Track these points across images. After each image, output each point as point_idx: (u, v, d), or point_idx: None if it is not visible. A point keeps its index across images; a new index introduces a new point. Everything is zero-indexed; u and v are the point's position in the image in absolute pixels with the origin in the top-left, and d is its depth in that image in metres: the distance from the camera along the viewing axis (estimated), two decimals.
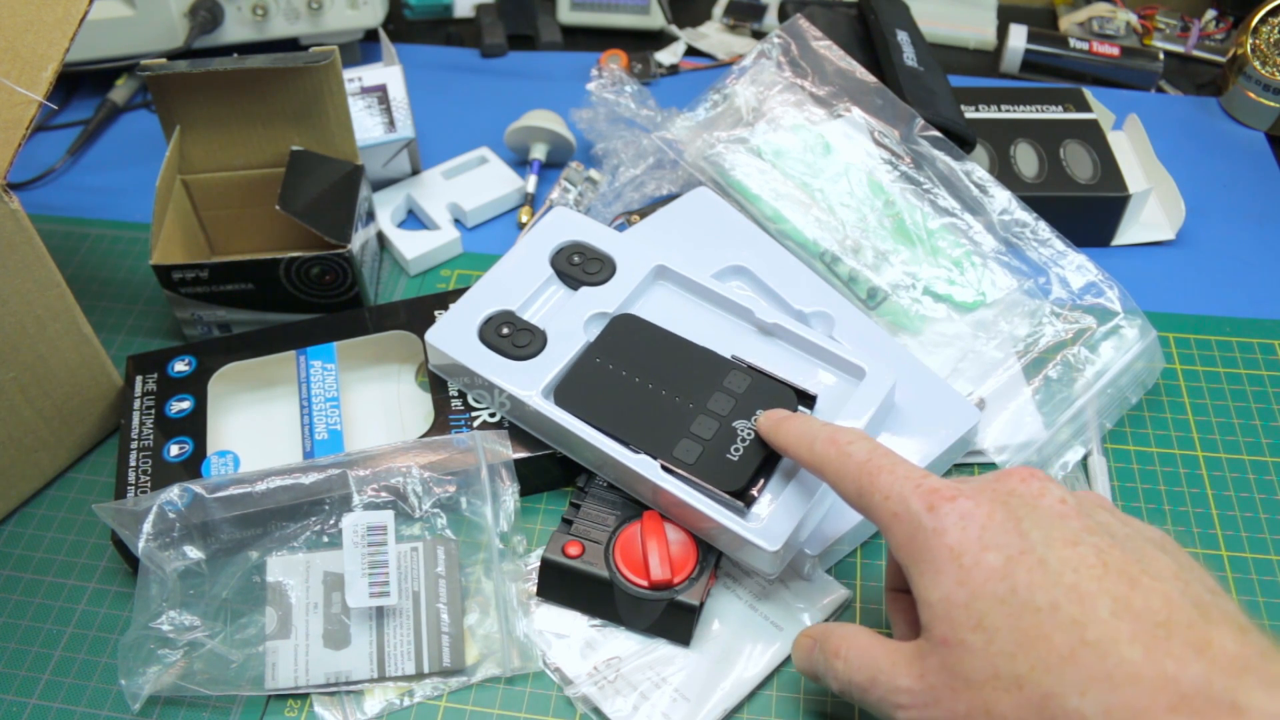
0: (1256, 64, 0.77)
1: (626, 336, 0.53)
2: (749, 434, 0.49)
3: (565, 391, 0.51)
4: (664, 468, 0.48)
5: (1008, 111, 0.72)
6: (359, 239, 0.61)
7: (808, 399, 0.51)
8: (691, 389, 0.51)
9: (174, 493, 0.49)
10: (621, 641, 0.48)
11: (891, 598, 0.44)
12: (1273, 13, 0.77)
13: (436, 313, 0.59)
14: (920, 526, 0.37)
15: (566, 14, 0.88)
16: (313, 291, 0.61)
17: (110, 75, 0.83)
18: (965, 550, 0.36)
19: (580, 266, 0.56)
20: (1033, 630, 0.34)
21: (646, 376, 0.51)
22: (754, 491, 0.48)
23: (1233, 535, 0.53)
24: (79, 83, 0.84)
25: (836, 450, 0.41)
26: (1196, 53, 0.86)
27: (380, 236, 0.69)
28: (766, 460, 0.48)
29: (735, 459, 0.48)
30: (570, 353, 0.53)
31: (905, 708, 0.37)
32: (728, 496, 0.47)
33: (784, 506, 0.47)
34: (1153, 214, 0.70)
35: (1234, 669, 0.32)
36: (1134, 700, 0.32)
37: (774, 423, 0.47)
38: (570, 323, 0.54)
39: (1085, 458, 0.56)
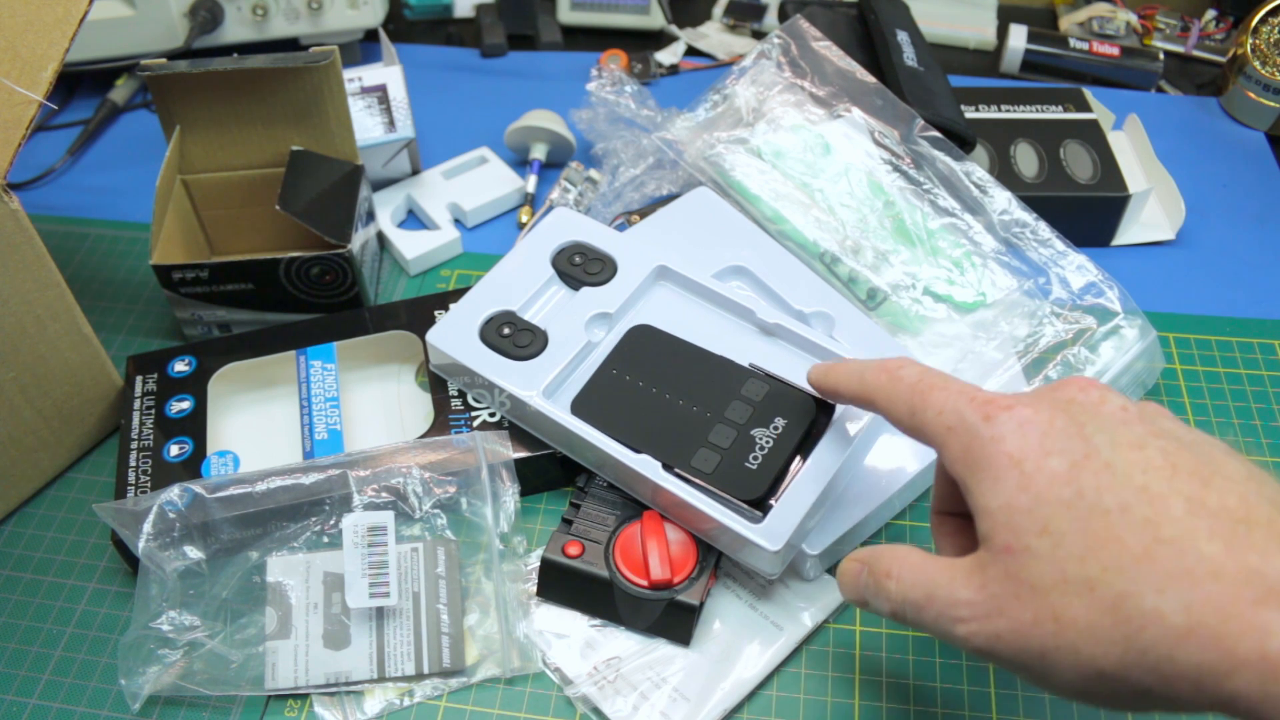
0: (1256, 64, 0.77)
1: (642, 347, 0.53)
2: (767, 442, 0.49)
3: (583, 403, 0.51)
4: (676, 473, 0.48)
5: (1008, 111, 0.72)
6: (359, 239, 0.61)
7: (827, 406, 0.51)
8: (709, 398, 0.51)
9: (174, 493, 0.49)
10: (621, 641, 0.48)
11: (938, 520, 0.43)
12: (1273, 13, 0.77)
13: (436, 313, 0.59)
14: (977, 436, 0.36)
15: (566, 14, 0.88)
16: (313, 291, 0.61)
17: (110, 75, 0.83)
18: (1026, 456, 0.35)
19: (581, 267, 0.56)
20: (1103, 532, 0.32)
21: (664, 386, 0.51)
22: (772, 501, 0.47)
23: None
24: (79, 83, 0.84)
25: (887, 375, 0.40)
26: (1196, 53, 0.86)
27: (380, 236, 0.69)
28: (784, 468, 0.48)
29: (754, 467, 0.48)
30: (571, 353, 0.53)
31: (965, 620, 0.35)
32: (746, 506, 0.47)
33: (785, 506, 0.47)
34: (1153, 214, 0.70)
35: None
36: (1217, 595, 0.30)
37: (823, 371, 0.45)
38: (571, 323, 0.54)
39: None
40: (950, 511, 0.42)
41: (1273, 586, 0.30)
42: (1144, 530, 0.32)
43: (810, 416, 0.49)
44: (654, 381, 0.52)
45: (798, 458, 0.49)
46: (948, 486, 0.42)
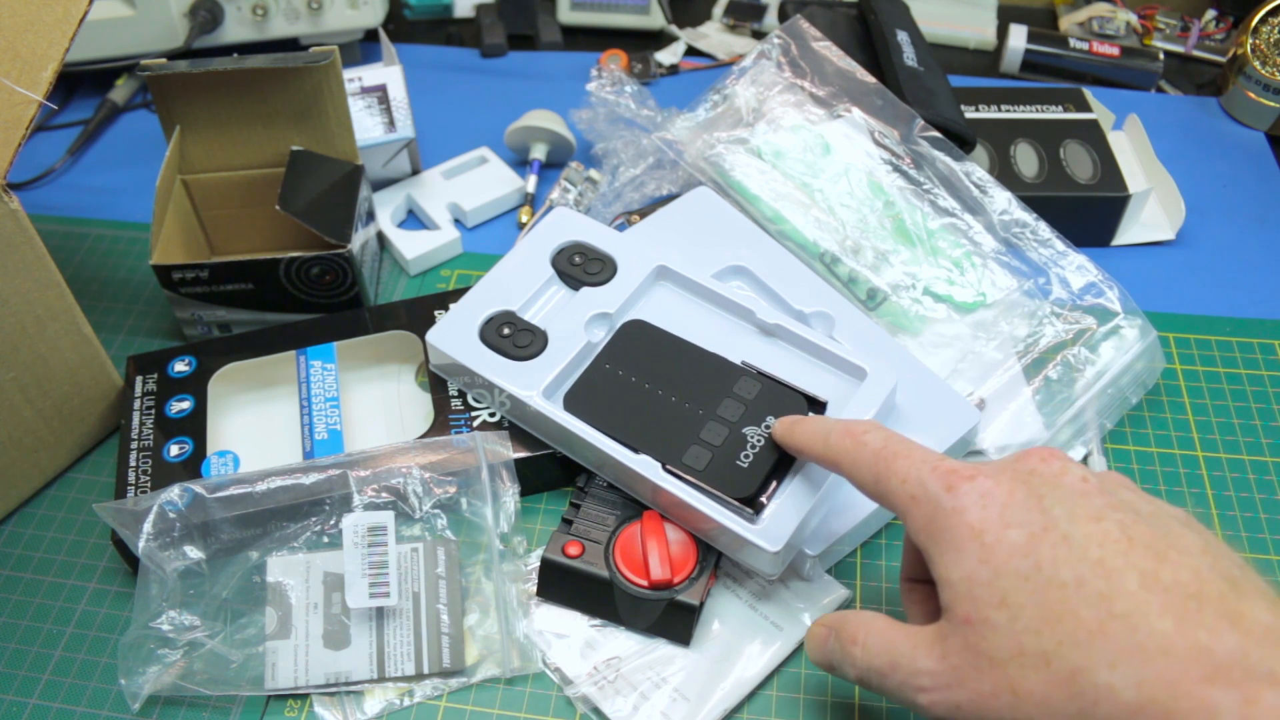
0: (1256, 64, 0.77)
1: (636, 342, 0.53)
2: (759, 440, 0.49)
3: (575, 398, 0.51)
4: (671, 471, 0.48)
5: (1008, 111, 0.72)
6: (359, 239, 0.61)
7: (818, 405, 0.51)
8: (702, 395, 0.51)
9: (174, 493, 0.49)
10: (621, 641, 0.48)
11: (907, 588, 0.44)
12: (1273, 13, 0.77)
13: (436, 313, 0.59)
14: (939, 507, 0.37)
15: (566, 14, 0.88)
16: (313, 291, 0.61)
17: (110, 75, 0.83)
18: (986, 528, 0.35)
19: (581, 267, 0.56)
20: (1058, 606, 0.33)
21: (656, 383, 0.51)
22: (763, 499, 0.48)
23: (1233, 535, 0.53)
24: (79, 83, 0.84)
25: (852, 441, 0.41)
26: (1196, 53, 0.86)
27: (380, 236, 0.69)
28: (776, 466, 0.48)
29: (745, 466, 0.48)
30: (571, 353, 0.53)
31: (927, 690, 0.36)
32: (737, 503, 0.47)
33: (785, 507, 0.47)
34: (1153, 214, 0.70)
35: (1270, 639, 0.31)
36: (1166, 672, 0.31)
37: (787, 427, 0.46)
38: (571, 323, 0.54)
39: (1085, 458, 0.56)
40: (918, 579, 0.43)
41: (1220, 664, 0.31)
42: (1098, 604, 0.33)
43: (802, 415, 0.49)
44: (647, 377, 0.52)
45: (789, 458, 0.49)
46: (915, 554, 0.43)
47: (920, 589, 0.43)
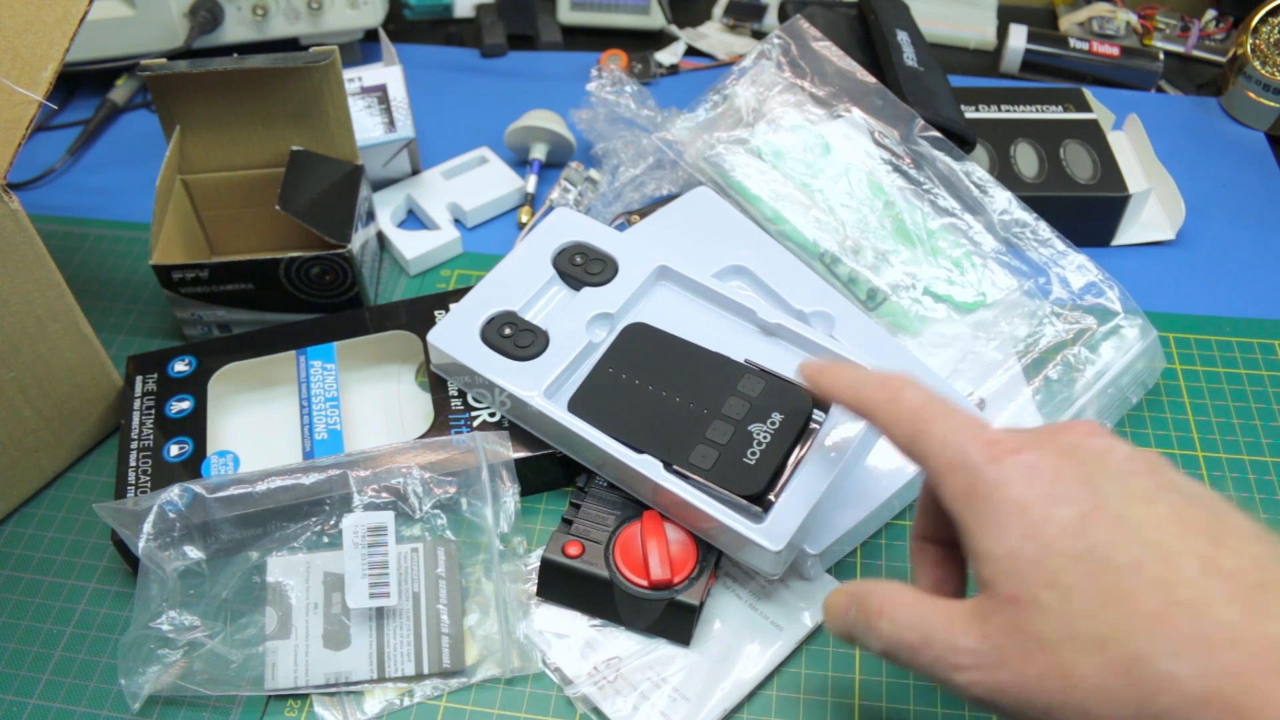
0: (1256, 64, 0.77)
1: (638, 344, 0.53)
2: (765, 438, 0.49)
3: (580, 402, 0.51)
4: (676, 471, 0.48)
5: (1008, 111, 0.72)
6: (359, 239, 0.61)
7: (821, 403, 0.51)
8: (705, 394, 0.51)
9: (174, 493, 0.49)
10: (621, 641, 0.48)
11: (919, 546, 0.41)
12: (1273, 13, 0.77)
13: (436, 313, 0.59)
14: (981, 477, 0.35)
15: (566, 14, 0.88)
16: (313, 291, 0.61)
17: (110, 75, 0.83)
18: (1033, 504, 0.34)
19: (582, 267, 0.56)
20: (1115, 589, 0.32)
21: (660, 383, 0.51)
22: (771, 496, 0.47)
23: None
24: (79, 83, 0.84)
25: (888, 394, 0.39)
26: (1196, 53, 0.86)
27: (380, 236, 0.69)
28: (782, 463, 0.48)
29: (751, 463, 0.48)
30: (573, 353, 0.53)
31: (965, 669, 0.34)
32: (744, 501, 0.47)
33: (787, 506, 0.47)
34: (1153, 214, 0.70)
35: None
36: (1235, 663, 0.30)
37: (818, 369, 0.43)
38: (572, 323, 0.54)
39: None
40: (933, 539, 0.41)
41: None
42: (1158, 590, 0.31)
43: (806, 411, 0.49)
44: (650, 379, 0.52)
45: (795, 454, 0.49)
46: (934, 514, 0.41)
47: (934, 550, 0.41)
